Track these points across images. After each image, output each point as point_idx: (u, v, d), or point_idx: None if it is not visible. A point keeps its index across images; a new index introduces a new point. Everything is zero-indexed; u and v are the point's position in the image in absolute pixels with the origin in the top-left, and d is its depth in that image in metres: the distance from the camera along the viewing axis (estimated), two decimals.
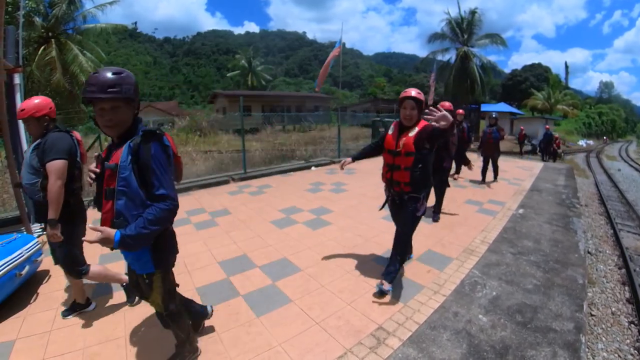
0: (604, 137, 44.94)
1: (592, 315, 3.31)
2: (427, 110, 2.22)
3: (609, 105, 56.47)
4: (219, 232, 3.97)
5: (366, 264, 3.14)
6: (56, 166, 1.98)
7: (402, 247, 2.64)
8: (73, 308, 2.36)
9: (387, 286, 2.53)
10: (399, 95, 2.59)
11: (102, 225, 1.43)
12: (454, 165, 5.58)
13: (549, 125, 18.74)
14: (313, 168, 8.29)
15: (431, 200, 4.55)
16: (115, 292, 2.66)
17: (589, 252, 4.83)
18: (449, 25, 22.22)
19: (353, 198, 5.38)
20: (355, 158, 2.92)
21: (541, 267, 3.14)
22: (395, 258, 2.61)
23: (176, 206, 1.46)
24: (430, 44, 23.08)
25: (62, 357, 1.96)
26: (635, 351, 2.80)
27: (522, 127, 19.66)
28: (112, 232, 1.34)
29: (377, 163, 2.66)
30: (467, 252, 3.45)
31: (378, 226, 4.09)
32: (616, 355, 2.77)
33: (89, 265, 2.29)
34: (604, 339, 2.99)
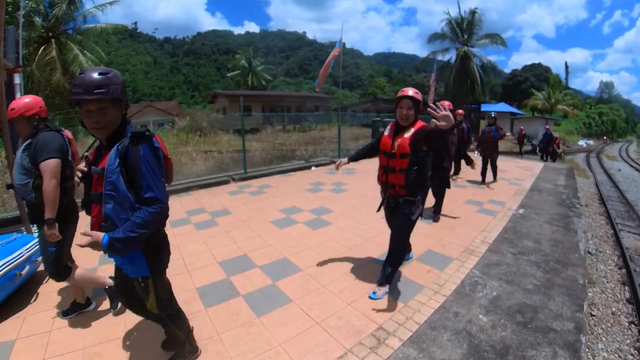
0: (604, 137, 44.93)
1: (592, 315, 3.31)
2: (431, 105, 2.09)
3: (609, 105, 56.46)
4: (219, 232, 3.97)
5: (366, 264, 3.14)
6: (50, 165, 1.96)
7: (397, 253, 2.58)
8: (73, 308, 2.36)
9: (380, 293, 2.51)
10: None
11: (91, 228, 1.42)
12: (453, 165, 5.58)
13: (549, 126, 18.74)
14: (313, 168, 8.29)
15: (431, 201, 4.58)
16: None
17: (589, 252, 4.83)
18: (449, 25, 22.24)
19: (353, 198, 5.38)
20: (352, 159, 2.85)
21: (541, 267, 3.13)
22: (390, 263, 2.56)
23: (165, 209, 1.43)
24: (431, 44, 23.13)
25: (62, 357, 1.96)
26: (636, 351, 2.80)
27: (521, 127, 19.66)
28: (100, 235, 1.33)
29: (377, 163, 2.65)
30: (468, 252, 3.44)
31: (378, 226, 4.09)
32: (616, 355, 2.76)
33: (72, 269, 2.24)
34: (604, 339, 2.98)
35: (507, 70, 56.00)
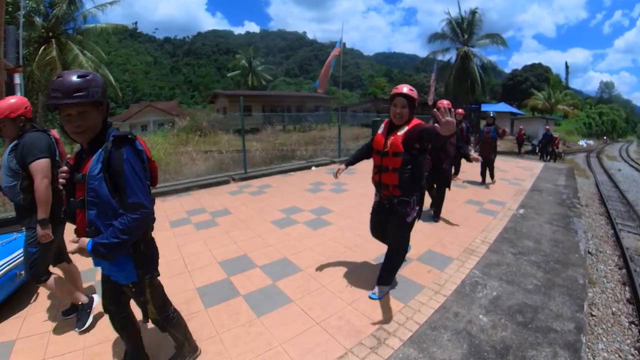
0: (604, 137, 44.95)
1: (592, 315, 3.31)
2: (434, 111, 1.86)
3: (610, 105, 56.49)
4: (219, 232, 3.96)
5: (366, 264, 3.14)
6: (41, 165, 1.94)
7: (397, 255, 2.56)
8: (73, 308, 2.36)
9: (381, 293, 2.51)
10: None
11: (77, 234, 1.41)
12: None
13: (549, 126, 18.75)
14: (313, 168, 8.29)
15: (430, 201, 4.57)
16: None
17: (589, 252, 4.83)
18: (449, 25, 22.28)
19: (353, 198, 5.38)
20: (349, 163, 2.75)
21: (542, 267, 3.13)
22: (390, 264, 2.55)
23: (149, 215, 1.40)
24: (431, 44, 23.19)
25: (62, 357, 1.96)
26: (636, 351, 2.80)
27: (521, 127, 19.67)
28: (85, 241, 1.32)
29: None
30: (468, 252, 3.44)
31: None
32: (617, 355, 2.76)
33: (50, 274, 2.18)
34: (604, 339, 2.98)
35: (508, 70, 56.11)
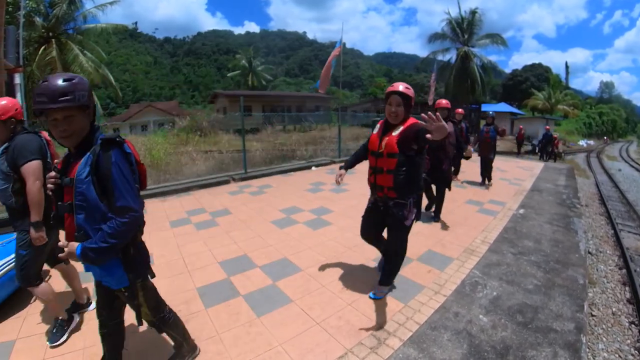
0: (605, 137, 44.92)
1: (592, 315, 3.31)
2: (423, 115, 1.84)
3: (610, 105, 56.49)
4: (219, 232, 3.97)
5: (367, 264, 3.14)
6: (32, 167, 1.92)
7: (397, 256, 2.55)
8: (74, 308, 2.36)
9: (381, 293, 2.52)
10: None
11: (66, 239, 1.40)
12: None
13: (550, 126, 18.75)
14: (313, 168, 8.29)
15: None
16: None
17: (589, 253, 4.83)
18: (449, 25, 22.30)
19: (353, 198, 5.38)
20: (348, 166, 2.68)
21: (542, 267, 3.13)
22: (390, 264, 2.55)
23: (138, 218, 1.39)
24: (431, 44, 23.23)
25: (62, 357, 1.96)
26: (636, 351, 2.80)
27: (521, 127, 19.65)
28: (74, 245, 1.31)
29: None
30: (468, 252, 3.44)
31: None
32: (617, 355, 2.76)
33: (42, 279, 2.16)
34: (604, 339, 2.98)
35: (508, 70, 56.06)
